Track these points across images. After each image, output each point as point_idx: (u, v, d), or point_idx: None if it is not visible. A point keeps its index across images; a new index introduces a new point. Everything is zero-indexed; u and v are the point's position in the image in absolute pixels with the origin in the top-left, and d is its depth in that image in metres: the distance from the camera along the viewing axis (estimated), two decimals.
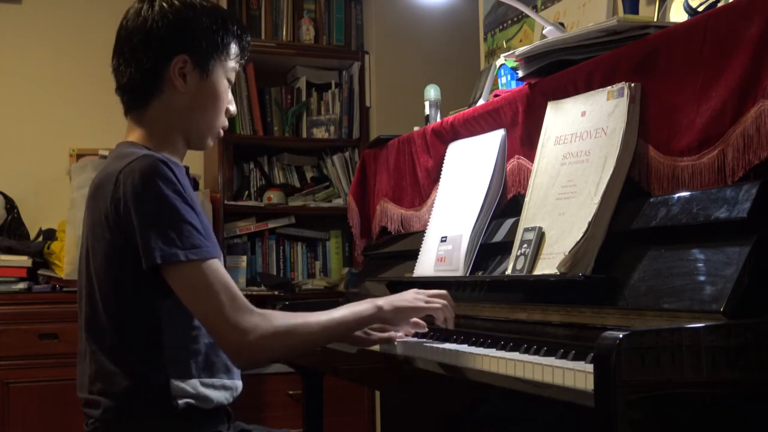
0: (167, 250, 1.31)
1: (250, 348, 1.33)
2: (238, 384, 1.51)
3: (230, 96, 1.55)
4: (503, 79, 2.11)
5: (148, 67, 1.45)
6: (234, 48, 1.53)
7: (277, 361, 1.33)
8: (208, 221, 1.48)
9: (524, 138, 1.79)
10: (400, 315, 1.56)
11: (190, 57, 1.46)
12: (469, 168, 1.95)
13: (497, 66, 2.17)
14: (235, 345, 1.34)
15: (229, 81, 1.54)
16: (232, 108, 1.56)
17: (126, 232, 1.35)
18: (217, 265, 1.35)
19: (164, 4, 1.46)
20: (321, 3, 3.91)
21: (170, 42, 1.45)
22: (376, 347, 1.70)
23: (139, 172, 1.34)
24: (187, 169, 1.58)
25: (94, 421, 1.42)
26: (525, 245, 1.58)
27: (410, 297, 1.58)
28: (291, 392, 3.47)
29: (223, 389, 1.46)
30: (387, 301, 1.55)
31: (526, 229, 1.60)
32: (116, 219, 1.36)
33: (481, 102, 2.17)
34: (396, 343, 1.66)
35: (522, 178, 1.79)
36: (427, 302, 1.58)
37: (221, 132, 1.56)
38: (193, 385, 1.40)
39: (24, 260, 3.26)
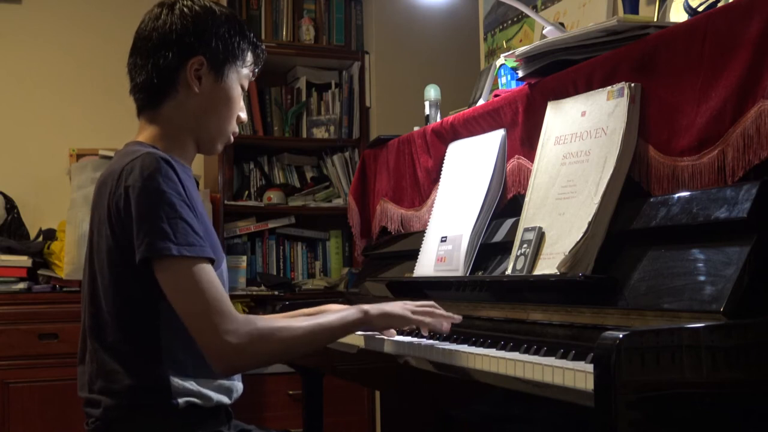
0: (159, 244, 1.31)
1: (232, 352, 1.31)
2: (238, 385, 1.52)
3: (242, 104, 1.57)
4: (503, 79, 2.11)
5: (164, 65, 1.47)
6: (249, 56, 1.56)
7: (257, 368, 1.31)
8: (210, 224, 1.49)
9: (524, 138, 1.79)
10: (386, 322, 1.57)
11: (207, 59, 1.49)
12: (469, 168, 1.95)
13: (497, 66, 2.17)
14: (216, 348, 1.31)
15: (242, 88, 1.56)
16: (243, 115, 1.58)
17: (126, 228, 1.36)
18: (208, 267, 1.35)
19: (184, 9, 1.49)
20: (321, 3, 3.91)
21: (188, 43, 1.48)
22: (375, 347, 1.70)
23: (140, 168, 1.35)
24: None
25: (94, 420, 1.43)
26: (525, 245, 1.58)
27: (399, 306, 1.58)
28: (291, 392, 3.47)
29: (222, 390, 1.46)
30: (374, 307, 1.54)
31: (526, 229, 1.60)
32: (117, 214, 1.37)
33: (481, 102, 2.17)
34: (390, 341, 1.66)
35: (522, 178, 1.79)
36: (413, 313, 1.57)
37: (231, 138, 1.58)
38: (192, 383, 1.41)
39: (24, 260, 3.26)
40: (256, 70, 1.60)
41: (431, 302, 1.63)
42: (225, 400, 1.47)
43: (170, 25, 1.47)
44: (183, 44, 1.47)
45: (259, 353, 1.35)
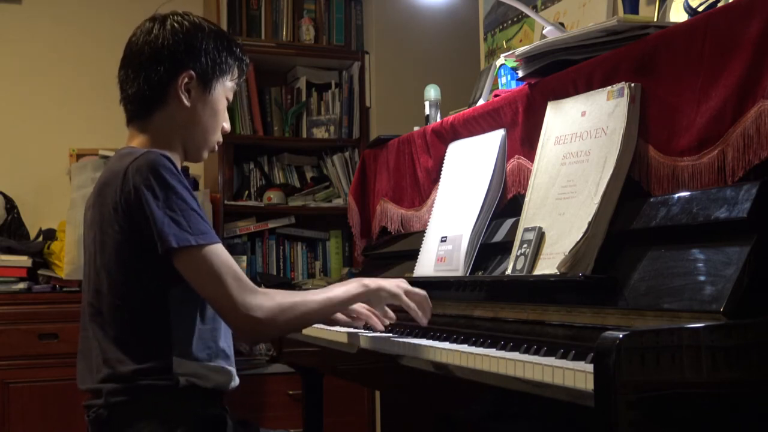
0: (180, 235, 1.40)
1: (257, 324, 1.43)
2: (236, 375, 1.58)
3: (226, 115, 1.66)
4: (503, 79, 2.11)
5: (156, 79, 1.54)
6: (235, 70, 1.64)
7: (277, 336, 1.53)
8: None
9: (524, 138, 1.79)
10: (381, 293, 1.64)
11: (196, 74, 1.56)
12: (469, 168, 1.95)
13: (497, 66, 2.17)
14: (242, 322, 1.43)
15: (227, 99, 1.64)
16: (227, 126, 1.67)
17: (137, 222, 1.43)
18: (222, 249, 1.45)
19: (175, 24, 1.56)
20: (321, 3, 3.91)
21: (179, 58, 1.55)
22: (375, 346, 1.70)
23: (146, 165, 1.43)
24: (186, 169, 1.63)
25: (96, 408, 1.47)
26: (525, 245, 1.58)
27: (394, 283, 1.67)
28: (291, 392, 3.47)
29: (222, 372, 1.53)
30: (372, 281, 1.64)
31: (526, 229, 1.60)
32: (126, 209, 1.44)
33: (481, 102, 2.17)
34: (390, 340, 1.67)
35: (522, 178, 1.79)
36: (406, 293, 1.65)
37: (216, 147, 1.66)
38: (193, 364, 1.48)
39: (24, 260, 3.27)
40: (240, 81, 1.67)
41: (424, 292, 1.68)
42: (225, 382, 1.53)
43: (162, 40, 1.54)
44: (174, 59, 1.54)
45: (281, 325, 1.48)
